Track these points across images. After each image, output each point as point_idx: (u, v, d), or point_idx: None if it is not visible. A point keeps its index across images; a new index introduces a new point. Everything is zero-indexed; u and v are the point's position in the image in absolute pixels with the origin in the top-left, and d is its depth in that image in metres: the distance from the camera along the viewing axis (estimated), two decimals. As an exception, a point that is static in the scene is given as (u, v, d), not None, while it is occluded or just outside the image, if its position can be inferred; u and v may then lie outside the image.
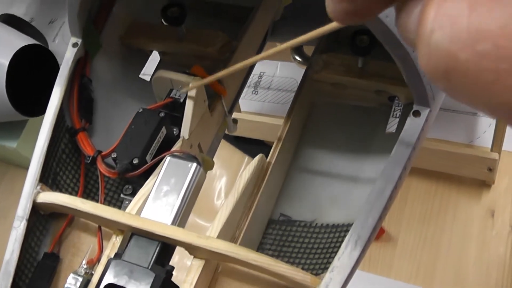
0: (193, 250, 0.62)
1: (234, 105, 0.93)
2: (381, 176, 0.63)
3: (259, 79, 1.65)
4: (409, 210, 1.42)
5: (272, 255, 0.74)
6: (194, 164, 0.67)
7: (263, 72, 1.66)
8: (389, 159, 0.64)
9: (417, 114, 0.67)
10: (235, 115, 1.50)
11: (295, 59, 1.33)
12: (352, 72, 0.82)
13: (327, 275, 0.58)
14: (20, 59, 1.30)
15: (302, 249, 0.75)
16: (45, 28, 1.64)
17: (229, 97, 0.88)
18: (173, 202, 0.65)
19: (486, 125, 1.49)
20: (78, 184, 0.79)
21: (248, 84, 1.66)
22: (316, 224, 0.77)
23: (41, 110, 1.40)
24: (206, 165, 0.82)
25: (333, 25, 0.41)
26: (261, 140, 1.50)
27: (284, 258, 0.74)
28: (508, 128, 1.31)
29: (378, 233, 1.36)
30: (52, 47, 1.57)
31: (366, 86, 0.82)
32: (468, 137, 1.49)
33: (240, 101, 1.59)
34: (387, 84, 0.80)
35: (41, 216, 0.74)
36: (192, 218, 1.39)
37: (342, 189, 0.80)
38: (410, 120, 0.67)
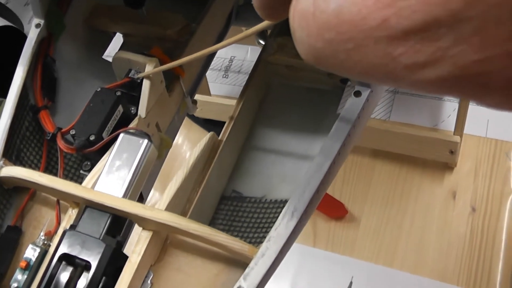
0: (141, 221, 0.66)
1: (195, 87, 0.96)
2: (320, 152, 0.67)
3: (230, 63, 1.69)
4: (372, 192, 1.46)
5: (223, 230, 0.77)
6: (145, 141, 0.71)
7: (234, 56, 1.69)
8: (329, 136, 0.68)
9: (358, 94, 0.71)
10: (205, 98, 1.54)
11: (259, 42, 1.37)
12: (304, 55, 0.85)
13: (264, 244, 0.61)
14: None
15: (251, 223, 0.78)
16: (20, 10, 1.66)
17: (189, 78, 0.91)
18: (124, 176, 0.68)
19: (450, 109, 1.53)
20: (41, 160, 0.82)
21: (218, 67, 1.71)
22: (266, 200, 0.80)
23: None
24: (164, 143, 0.86)
25: (264, 23, 0.45)
26: (231, 122, 1.53)
27: (234, 232, 0.78)
28: (470, 112, 1.35)
29: (341, 214, 1.41)
30: (27, 29, 1.59)
31: (318, 69, 0.85)
32: (433, 121, 1.53)
33: (211, 84, 1.63)
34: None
35: (4, 191, 0.77)
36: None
37: (293, 166, 0.83)
38: (351, 100, 0.71)
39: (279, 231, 0.62)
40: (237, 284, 0.60)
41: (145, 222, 0.65)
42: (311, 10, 0.24)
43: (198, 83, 0.97)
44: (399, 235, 1.39)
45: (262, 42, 1.34)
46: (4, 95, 1.42)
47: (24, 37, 1.39)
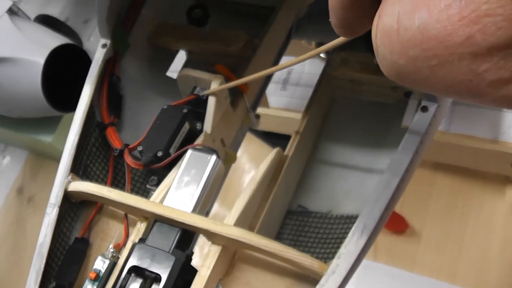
0: (210, 236, 0.66)
1: (257, 102, 0.97)
2: (388, 169, 0.66)
3: (288, 76, 1.69)
4: (433, 205, 1.44)
5: (289, 244, 0.77)
6: (214, 157, 0.72)
7: (292, 69, 1.69)
8: (396, 152, 0.67)
9: (425, 109, 0.70)
10: (263, 110, 1.54)
11: (319, 56, 1.37)
12: (369, 69, 0.85)
13: (334, 261, 0.61)
14: (55, 57, 1.35)
15: (317, 238, 0.79)
16: (79, 28, 1.69)
17: (252, 94, 0.92)
18: (193, 192, 0.69)
19: (511, 120, 1.50)
20: (107, 175, 0.84)
21: (277, 80, 1.71)
22: (331, 215, 0.80)
23: (76, 106, 1.46)
24: (229, 158, 0.86)
25: (340, 39, 0.45)
26: (290, 135, 1.53)
27: (300, 247, 0.78)
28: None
29: (402, 228, 1.39)
30: (87, 45, 1.62)
31: (382, 83, 0.85)
32: (494, 133, 1.50)
33: (269, 97, 1.63)
34: (401, 80, 0.83)
35: (72, 204, 0.79)
36: (222, 211, 1.45)
37: (357, 181, 0.83)
38: (418, 115, 0.70)
39: (349, 249, 0.62)
40: None
41: (214, 237, 0.66)
42: (395, 28, 0.24)
43: (260, 97, 0.98)
44: (460, 250, 1.37)
45: (322, 55, 1.34)
46: (67, 109, 1.45)
47: (84, 54, 1.42)
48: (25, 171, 1.92)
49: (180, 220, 0.66)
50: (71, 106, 1.45)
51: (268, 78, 1.01)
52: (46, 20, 1.61)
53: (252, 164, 1.58)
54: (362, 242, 0.62)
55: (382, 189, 0.65)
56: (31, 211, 1.81)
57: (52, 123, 1.61)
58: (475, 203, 1.42)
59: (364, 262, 1.40)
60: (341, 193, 0.83)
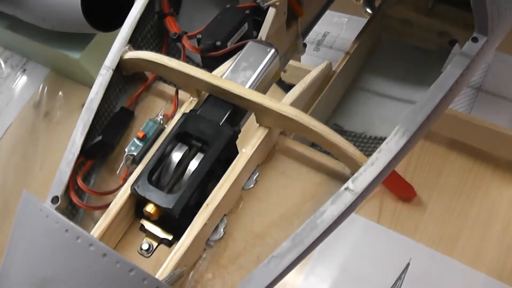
0: (261, 115, 0.69)
1: (308, 31, 1.01)
2: (434, 84, 0.69)
3: (323, 38, 1.72)
4: (443, 181, 1.46)
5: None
6: (273, 50, 0.75)
7: (328, 32, 1.73)
8: (444, 72, 0.70)
9: (475, 40, 0.73)
10: (294, 63, 1.57)
11: (366, 11, 1.40)
12: (422, 11, 0.89)
13: (374, 155, 0.64)
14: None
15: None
16: None
17: (305, 20, 0.96)
18: (249, 76, 0.73)
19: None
20: None
21: (311, 40, 1.74)
22: (365, 136, 0.84)
23: (111, 28, 1.47)
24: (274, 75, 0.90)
25: None
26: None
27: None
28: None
29: (409, 195, 1.42)
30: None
31: (431, 25, 0.89)
32: (512, 125, 1.52)
33: (302, 56, 1.66)
34: (451, 26, 0.87)
35: (122, 77, 0.82)
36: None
37: (394, 110, 0.87)
38: (468, 44, 0.73)
39: (389, 146, 0.65)
40: (345, 185, 0.63)
41: (265, 117, 0.69)
42: None
43: (311, 27, 1.01)
44: (462, 227, 1.39)
45: (368, 10, 1.38)
46: (102, 28, 1.46)
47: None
48: (44, 88, 1.94)
49: (236, 93, 0.68)
50: (107, 27, 1.46)
51: (322, 10, 1.04)
52: None
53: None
54: (402, 142, 0.65)
55: (426, 100, 0.68)
56: (46, 125, 1.82)
57: (82, 41, 1.61)
58: (483, 185, 1.45)
59: (368, 222, 1.44)
60: (377, 119, 0.86)
